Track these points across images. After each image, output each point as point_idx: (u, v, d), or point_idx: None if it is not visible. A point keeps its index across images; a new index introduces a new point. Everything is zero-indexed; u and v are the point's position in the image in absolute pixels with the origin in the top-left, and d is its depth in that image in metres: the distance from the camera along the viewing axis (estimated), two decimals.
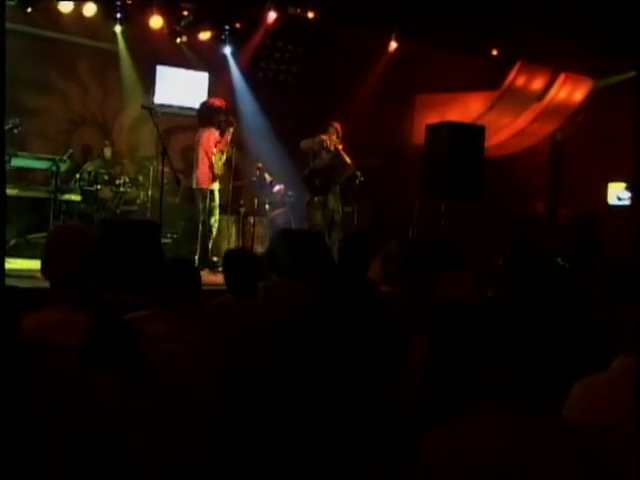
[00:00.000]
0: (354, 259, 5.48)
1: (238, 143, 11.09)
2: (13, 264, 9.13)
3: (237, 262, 5.06)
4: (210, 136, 10.37)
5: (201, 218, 10.35)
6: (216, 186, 10.44)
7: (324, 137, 10.78)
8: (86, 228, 3.84)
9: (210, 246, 10.39)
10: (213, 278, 9.48)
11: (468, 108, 14.11)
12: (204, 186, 10.29)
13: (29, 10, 11.22)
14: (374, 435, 3.43)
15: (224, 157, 10.46)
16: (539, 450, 2.23)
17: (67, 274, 2.76)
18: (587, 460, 2.28)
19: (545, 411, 2.38)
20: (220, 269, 9.70)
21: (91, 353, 2.49)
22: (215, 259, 10.21)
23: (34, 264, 9.37)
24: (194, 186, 10.43)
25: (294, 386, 3.48)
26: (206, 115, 10.52)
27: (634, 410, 2.71)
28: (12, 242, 9.98)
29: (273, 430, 3.27)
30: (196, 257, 10.24)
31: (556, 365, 2.62)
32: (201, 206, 10.37)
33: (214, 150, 10.32)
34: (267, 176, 11.77)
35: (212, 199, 10.36)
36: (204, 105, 10.73)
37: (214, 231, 10.49)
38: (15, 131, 9.84)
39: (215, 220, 10.48)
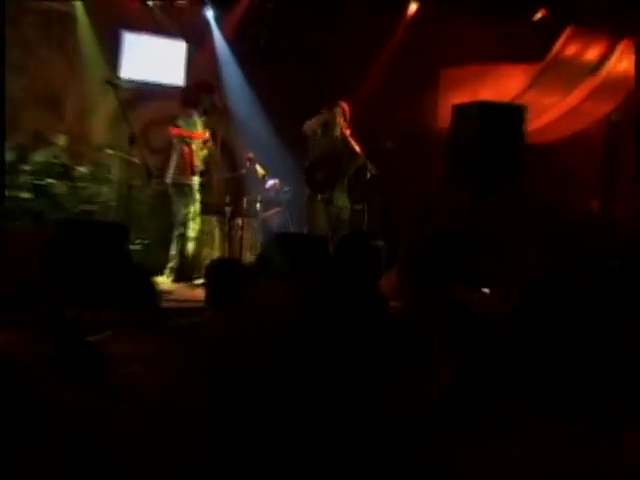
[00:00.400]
0: (352, 264, 5.48)
1: (225, 129, 11.18)
2: None
3: (222, 274, 5.19)
4: (188, 124, 10.53)
5: (177, 220, 10.52)
6: (196, 180, 10.60)
7: (326, 115, 10.93)
8: (36, 232, 4.01)
9: (189, 253, 10.54)
10: (191, 293, 9.65)
11: (505, 84, 14.11)
12: (182, 181, 10.46)
13: None
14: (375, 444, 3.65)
15: (207, 147, 10.69)
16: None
17: (14, 289, 2.92)
18: None
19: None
20: (199, 282, 9.90)
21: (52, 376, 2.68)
22: (194, 270, 10.38)
23: None
24: (169, 181, 10.58)
25: (287, 398, 3.67)
26: (191, 99, 10.73)
27: None
28: None
29: (268, 440, 3.49)
30: (169, 266, 10.43)
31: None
32: (178, 205, 10.54)
33: (191, 140, 10.51)
34: (259, 169, 11.69)
35: (191, 196, 10.53)
36: (188, 89, 11.15)
37: (193, 235, 10.64)
38: None
39: (195, 222, 10.64)
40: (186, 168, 10.46)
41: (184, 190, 10.50)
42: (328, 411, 3.56)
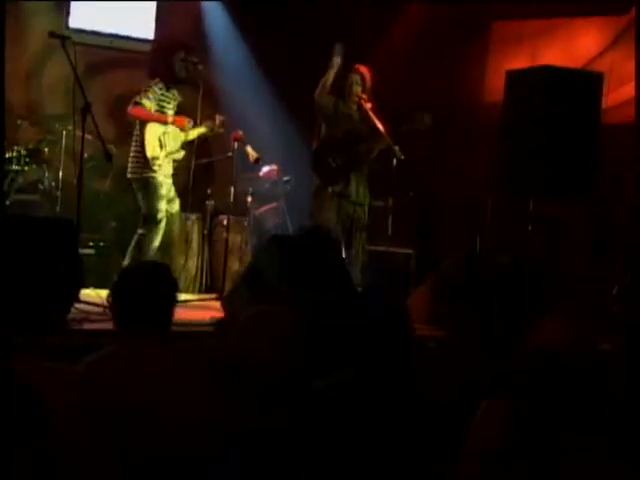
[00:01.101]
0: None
1: (208, 100, 11.32)
2: None
3: (136, 287, 4.96)
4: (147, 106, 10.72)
5: (141, 218, 10.71)
6: (167, 170, 10.84)
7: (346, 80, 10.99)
8: None
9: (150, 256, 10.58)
10: None
11: (576, 44, 14.09)
12: (145, 174, 10.70)
13: None
14: None
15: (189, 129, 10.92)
16: None
17: None
18: None
19: None
20: None
21: None
22: None
23: None
24: (129, 174, 10.85)
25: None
26: (158, 59, 10.93)
27: None
28: None
29: None
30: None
31: None
32: (141, 202, 10.77)
33: (156, 124, 10.73)
34: (250, 151, 11.59)
35: (158, 190, 10.71)
36: (156, 43, 11.17)
37: (156, 243, 10.72)
38: None
39: (162, 220, 10.75)
40: (153, 154, 10.67)
41: (150, 183, 10.69)
42: None
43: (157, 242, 10.72)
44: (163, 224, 10.74)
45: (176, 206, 10.98)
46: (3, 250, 7.09)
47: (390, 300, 4.89)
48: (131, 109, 10.67)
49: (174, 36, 11.12)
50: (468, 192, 12.84)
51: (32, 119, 12.69)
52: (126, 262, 10.52)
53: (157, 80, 10.79)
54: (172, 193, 10.92)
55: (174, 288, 5.11)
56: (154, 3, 13.35)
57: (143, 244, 10.65)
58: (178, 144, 10.94)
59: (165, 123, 10.78)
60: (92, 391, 4.14)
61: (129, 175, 10.82)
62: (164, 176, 10.79)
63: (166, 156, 10.78)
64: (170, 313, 4.96)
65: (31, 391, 3.13)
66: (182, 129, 10.94)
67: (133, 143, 10.83)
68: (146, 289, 4.86)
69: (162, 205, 10.74)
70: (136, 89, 10.95)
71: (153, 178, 10.70)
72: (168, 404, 4.25)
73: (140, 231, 10.69)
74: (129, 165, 10.80)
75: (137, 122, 10.76)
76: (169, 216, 10.83)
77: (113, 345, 4.67)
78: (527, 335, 5.21)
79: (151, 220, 10.64)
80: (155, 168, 10.70)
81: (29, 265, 7.31)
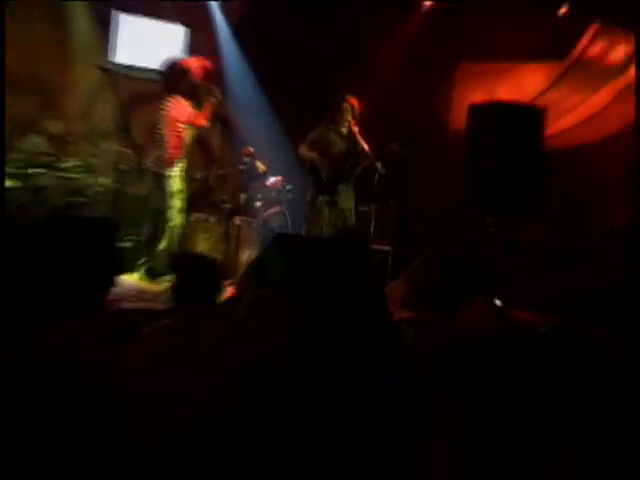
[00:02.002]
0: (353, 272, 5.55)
1: (224, 121, 11.19)
2: None
3: (188, 270, 5.08)
4: (178, 106, 10.61)
5: (151, 214, 10.72)
6: (177, 172, 10.67)
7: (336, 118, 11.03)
8: (40, 226, 4.11)
9: (163, 250, 10.59)
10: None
11: (524, 84, 14.06)
12: (161, 170, 10.58)
13: None
14: None
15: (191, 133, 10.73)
16: None
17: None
18: None
19: None
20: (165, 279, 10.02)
21: None
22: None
23: None
24: (148, 164, 10.73)
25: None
26: (171, 79, 10.73)
27: None
28: None
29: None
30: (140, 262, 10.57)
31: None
32: (155, 197, 10.69)
33: (182, 125, 10.59)
34: (259, 164, 11.70)
35: (168, 187, 10.59)
36: (169, 67, 10.83)
37: (169, 228, 10.65)
38: None
39: (177, 210, 10.66)
40: (168, 157, 10.54)
41: (164, 179, 10.57)
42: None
43: (172, 226, 10.65)
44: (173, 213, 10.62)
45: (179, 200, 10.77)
46: (54, 244, 6.93)
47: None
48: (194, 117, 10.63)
49: (186, 64, 10.81)
50: (437, 202, 12.77)
51: (84, 136, 12.45)
52: (161, 247, 10.53)
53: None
54: (181, 187, 10.75)
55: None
56: (182, 43, 13.29)
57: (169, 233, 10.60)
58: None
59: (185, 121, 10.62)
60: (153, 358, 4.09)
61: (149, 166, 10.72)
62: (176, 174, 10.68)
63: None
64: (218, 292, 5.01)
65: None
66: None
67: (159, 142, 10.65)
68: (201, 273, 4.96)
69: (175, 198, 10.63)
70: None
71: (172, 175, 10.61)
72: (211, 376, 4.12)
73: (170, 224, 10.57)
74: (152, 159, 10.67)
75: (163, 124, 10.57)
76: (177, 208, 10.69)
77: (169, 319, 4.60)
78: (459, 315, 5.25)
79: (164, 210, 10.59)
80: (178, 166, 10.66)
81: (77, 256, 7.12)
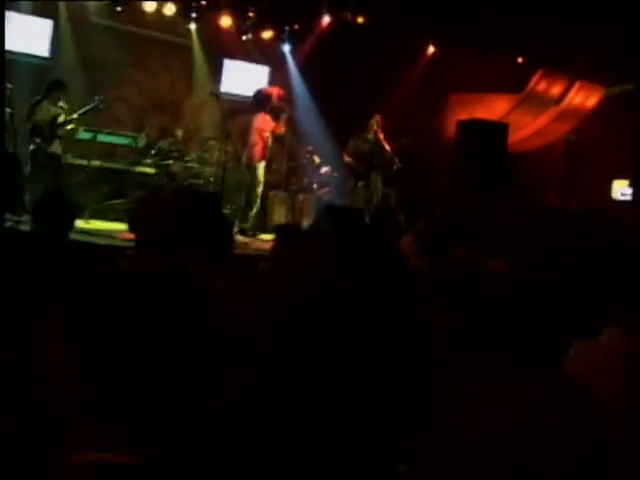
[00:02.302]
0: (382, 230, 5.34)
1: (292, 129, 10.99)
2: (95, 225, 9.19)
3: (286, 234, 4.84)
4: (264, 120, 10.27)
5: (246, 191, 10.30)
6: (262, 164, 10.29)
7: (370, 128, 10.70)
8: (173, 197, 3.79)
9: (253, 215, 10.26)
10: (256, 245, 9.39)
11: (494, 108, 13.81)
12: (252, 163, 10.19)
13: (119, 9, 11.27)
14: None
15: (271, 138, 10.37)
16: (544, 403, 2.14)
17: (153, 233, 2.74)
18: (584, 416, 2.19)
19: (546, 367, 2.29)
20: (264, 238, 9.84)
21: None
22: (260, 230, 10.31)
23: (113, 226, 9.48)
24: (244, 162, 10.36)
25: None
26: (259, 101, 10.42)
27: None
28: (95, 207, 10.02)
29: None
30: (242, 225, 10.16)
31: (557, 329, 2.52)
32: (248, 180, 10.30)
33: (266, 133, 10.20)
34: (316, 159, 11.61)
35: (257, 175, 10.21)
36: (258, 92, 10.64)
37: (257, 201, 10.32)
38: (100, 107, 9.78)
39: (258, 193, 10.31)
40: (257, 154, 10.19)
41: (254, 170, 10.22)
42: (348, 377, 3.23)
43: (258, 201, 10.38)
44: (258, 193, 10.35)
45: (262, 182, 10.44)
46: (185, 208, 6.82)
47: None
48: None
49: (269, 91, 10.75)
50: (435, 186, 12.31)
51: (200, 139, 12.33)
52: (252, 213, 10.26)
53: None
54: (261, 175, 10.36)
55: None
56: (266, 78, 13.18)
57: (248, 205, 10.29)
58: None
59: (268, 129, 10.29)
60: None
61: (244, 162, 10.40)
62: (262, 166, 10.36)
63: None
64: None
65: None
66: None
67: (250, 144, 10.34)
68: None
69: (260, 183, 10.32)
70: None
71: (259, 166, 10.24)
72: None
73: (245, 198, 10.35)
74: (246, 157, 10.36)
75: (253, 131, 10.29)
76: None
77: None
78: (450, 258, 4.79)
79: (254, 191, 10.28)
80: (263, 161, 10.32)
81: (195, 220, 6.98)
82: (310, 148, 11.66)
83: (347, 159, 10.74)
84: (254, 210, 10.25)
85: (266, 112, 10.35)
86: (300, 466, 1.87)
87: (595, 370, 2.77)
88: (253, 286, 3.79)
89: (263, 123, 10.25)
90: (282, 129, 10.41)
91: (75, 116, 9.44)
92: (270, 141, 10.34)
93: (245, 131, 11.50)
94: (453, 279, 4.34)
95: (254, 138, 10.21)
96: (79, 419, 1.88)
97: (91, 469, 1.79)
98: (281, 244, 4.90)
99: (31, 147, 9.21)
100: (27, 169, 9.15)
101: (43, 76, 10.06)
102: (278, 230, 5.23)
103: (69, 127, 9.45)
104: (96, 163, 10.56)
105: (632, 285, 3.02)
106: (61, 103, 9.34)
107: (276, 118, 10.35)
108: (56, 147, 9.36)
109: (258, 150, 10.18)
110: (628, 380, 2.72)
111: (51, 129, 9.20)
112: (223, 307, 3.12)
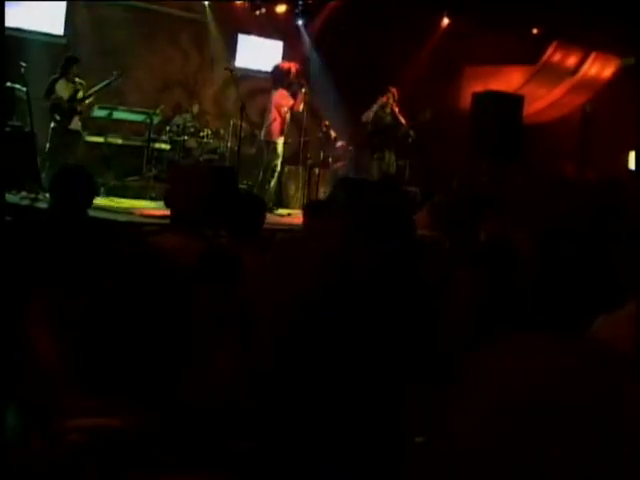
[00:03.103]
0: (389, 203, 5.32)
1: (308, 104, 10.90)
2: (113, 202, 9.20)
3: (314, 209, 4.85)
4: (282, 95, 10.15)
5: (264, 167, 10.20)
6: (281, 140, 10.20)
7: (383, 99, 10.58)
8: (208, 170, 3.79)
9: (271, 190, 10.21)
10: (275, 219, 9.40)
11: (510, 80, 13.69)
12: (271, 139, 10.10)
13: None
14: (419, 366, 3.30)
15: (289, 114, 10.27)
16: (571, 371, 2.10)
17: (186, 207, 2.74)
18: (611, 384, 2.15)
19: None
20: (282, 212, 9.94)
21: (202, 272, 2.52)
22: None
23: (130, 202, 9.50)
24: (262, 138, 10.26)
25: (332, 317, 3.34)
26: (277, 77, 10.31)
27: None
28: (112, 183, 10.05)
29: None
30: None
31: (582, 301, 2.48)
32: (266, 156, 10.22)
33: (285, 109, 10.08)
34: (332, 133, 11.54)
35: (276, 150, 10.13)
36: (276, 68, 10.50)
37: (275, 176, 10.23)
38: (118, 81, 9.77)
39: (276, 169, 10.23)
40: (277, 130, 10.08)
41: (272, 146, 10.12)
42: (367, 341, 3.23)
43: (275, 176, 10.27)
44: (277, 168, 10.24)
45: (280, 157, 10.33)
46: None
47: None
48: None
49: (287, 66, 10.51)
50: (450, 157, 12.23)
51: (215, 115, 12.39)
52: (270, 187, 10.17)
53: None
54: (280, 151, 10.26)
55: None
56: (280, 52, 12.99)
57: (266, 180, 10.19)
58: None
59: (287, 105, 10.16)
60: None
61: (263, 138, 10.29)
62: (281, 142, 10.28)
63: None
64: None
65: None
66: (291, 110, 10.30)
67: (269, 119, 10.21)
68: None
69: (279, 158, 10.23)
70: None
71: (278, 142, 10.17)
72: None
73: (264, 174, 10.23)
74: (265, 132, 10.25)
75: (272, 108, 10.13)
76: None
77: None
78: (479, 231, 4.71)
79: (272, 166, 10.16)
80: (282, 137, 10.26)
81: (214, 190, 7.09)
82: (327, 122, 11.58)
83: (366, 124, 10.66)
84: (272, 185, 10.19)
85: (284, 87, 10.23)
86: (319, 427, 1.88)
87: (619, 341, 2.75)
88: (277, 261, 3.83)
89: (281, 99, 10.13)
90: (300, 106, 10.32)
91: (93, 91, 9.45)
92: (288, 117, 10.23)
93: (260, 105, 11.47)
94: (480, 252, 4.33)
95: (272, 114, 10.09)
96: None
97: (84, 434, 1.79)
98: (311, 219, 4.88)
99: (52, 124, 9.22)
100: (47, 146, 9.17)
101: (58, 54, 10.00)
102: (307, 207, 5.22)
103: (87, 102, 9.45)
104: (113, 140, 10.58)
105: None
106: (78, 79, 9.34)
107: (294, 94, 10.25)
108: (76, 124, 9.38)
109: (276, 126, 10.07)
110: None
111: (70, 106, 9.21)
112: (252, 280, 3.16)
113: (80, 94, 9.28)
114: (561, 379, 2.03)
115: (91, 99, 9.48)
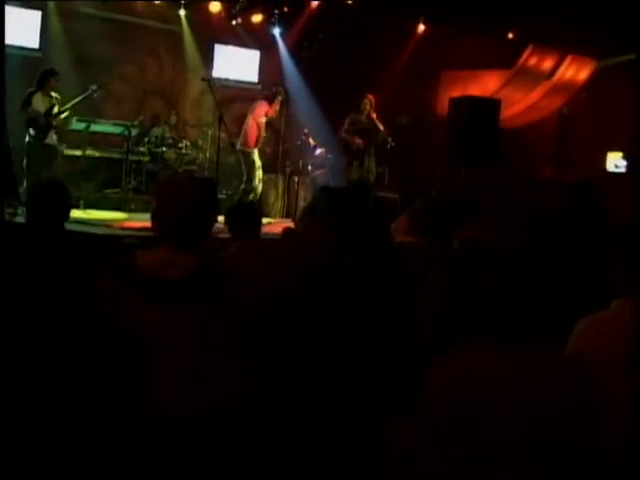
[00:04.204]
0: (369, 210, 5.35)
1: (286, 112, 10.91)
2: (92, 215, 9.17)
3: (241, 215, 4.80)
4: (262, 105, 10.25)
5: (246, 177, 10.16)
6: (257, 150, 10.23)
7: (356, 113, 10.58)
8: (194, 182, 3.77)
9: (255, 200, 10.03)
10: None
11: (486, 84, 13.72)
12: (247, 148, 10.11)
13: None
14: (391, 371, 3.32)
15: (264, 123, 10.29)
16: (537, 381, 2.10)
17: (174, 220, 2.74)
18: (580, 393, 2.15)
19: (545, 346, 2.25)
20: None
21: (190, 287, 2.55)
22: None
23: (109, 215, 9.47)
24: (238, 147, 10.20)
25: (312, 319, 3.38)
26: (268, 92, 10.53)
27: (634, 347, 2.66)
28: (91, 196, 10.02)
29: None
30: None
31: (558, 304, 2.49)
32: (244, 166, 10.20)
33: (262, 118, 10.14)
34: (311, 141, 11.48)
35: (254, 160, 10.13)
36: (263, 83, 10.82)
37: (260, 186, 10.24)
38: (95, 95, 9.71)
39: (259, 179, 10.21)
40: (252, 140, 10.12)
41: (249, 155, 10.15)
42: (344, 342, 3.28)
43: (259, 187, 10.32)
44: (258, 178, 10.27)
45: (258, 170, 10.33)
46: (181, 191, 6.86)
47: None
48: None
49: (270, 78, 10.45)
50: (428, 163, 12.36)
51: (193, 125, 12.46)
52: (250, 198, 10.06)
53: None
54: (258, 162, 10.30)
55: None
56: (257, 62, 13.09)
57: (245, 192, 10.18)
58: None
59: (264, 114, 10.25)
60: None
61: (239, 147, 10.23)
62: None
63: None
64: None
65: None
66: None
67: (246, 129, 10.28)
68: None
69: (259, 168, 10.27)
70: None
71: (254, 151, 10.20)
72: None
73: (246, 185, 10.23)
74: (241, 142, 10.24)
75: (250, 117, 10.24)
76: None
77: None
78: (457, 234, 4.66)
79: (252, 177, 10.18)
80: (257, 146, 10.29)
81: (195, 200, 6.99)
82: (306, 130, 11.55)
83: (346, 137, 10.56)
84: (252, 195, 10.13)
85: (264, 98, 10.38)
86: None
87: (602, 343, 2.76)
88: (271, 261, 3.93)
89: (260, 108, 10.21)
90: (274, 112, 10.32)
91: (69, 105, 9.37)
92: (264, 126, 10.26)
93: (238, 115, 11.46)
94: (454, 256, 4.35)
95: (249, 123, 10.14)
96: None
97: None
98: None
99: (27, 139, 9.15)
100: (24, 161, 9.10)
101: (33, 68, 9.95)
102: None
103: (63, 116, 9.36)
104: (91, 153, 10.56)
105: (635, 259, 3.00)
106: (54, 93, 9.27)
107: (271, 101, 10.31)
108: (51, 138, 9.29)
109: (252, 135, 10.10)
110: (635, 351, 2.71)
111: (46, 120, 9.13)
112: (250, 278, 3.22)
113: (56, 109, 9.20)
114: (511, 387, 2.05)
115: (66, 114, 9.39)
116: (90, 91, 9.55)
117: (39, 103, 9.10)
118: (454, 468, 1.99)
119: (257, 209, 5.10)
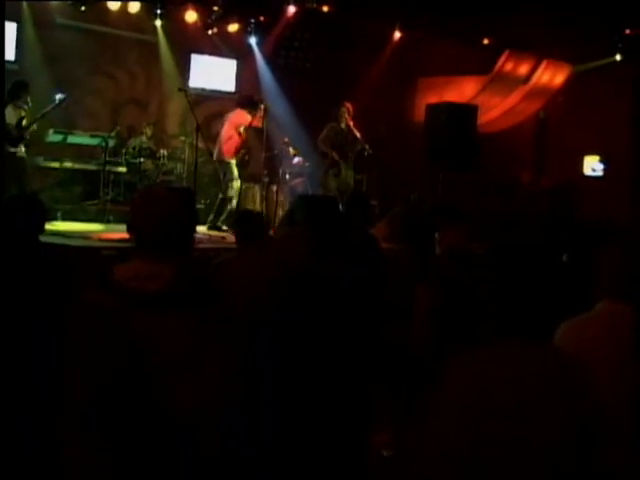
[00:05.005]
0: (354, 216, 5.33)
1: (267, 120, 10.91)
2: (68, 227, 9.11)
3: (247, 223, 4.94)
4: (240, 114, 10.10)
5: (224, 188, 10.09)
6: (234, 160, 10.11)
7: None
8: (172, 192, 3.74)
9: (227, 211, 9.99)
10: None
11: (463, 90, 13.78)
12: (224, 158, 10.01)
13: (82, 8, 11.12)
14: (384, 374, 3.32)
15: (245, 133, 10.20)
16: (545, 381, 2.14)
17: (151, 231, 2.72)
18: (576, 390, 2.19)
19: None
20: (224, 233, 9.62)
21: (169, 299, 2.54)
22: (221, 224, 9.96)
23: (87, 227, 9.41)
24: (215, 158, 10.18)
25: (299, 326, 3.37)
26: (244, 100, 10.43)
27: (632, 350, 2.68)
28: (68, 208, 9.98)
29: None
30: (209, 219, 10.01)
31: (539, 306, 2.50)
32: (222, 176, 10.15)
33: (242, 128, 10.03)
34: (291, 149, 11.45)
35: (231, 170, 10.03)
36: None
37: (237, 196, 10.14)
38: (62, 105, 9.58)
39: (236, 189, 10.11)
40: (231, 150, 10.01)
41: (227, 166, 10.05)
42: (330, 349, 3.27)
43: (235, 198, 10.16)
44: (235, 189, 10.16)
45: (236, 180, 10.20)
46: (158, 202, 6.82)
47: None
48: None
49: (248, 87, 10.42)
50: (406, 170, 12.39)
51: (170, 136, 12.42)
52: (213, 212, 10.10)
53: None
54: (236, 172, 10.16)
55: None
56: (234, 71, 13.16)
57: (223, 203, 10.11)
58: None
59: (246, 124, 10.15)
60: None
61: (216, 158, 10.21)
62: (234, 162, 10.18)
63: None
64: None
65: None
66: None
67: (223, 139, 10.12)
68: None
69: (236, 179, 10.16)
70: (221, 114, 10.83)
71: (232, 162, 10.09)
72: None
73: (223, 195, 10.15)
74: (218, 153, 10.13)
75: (229, 127, 10.09)
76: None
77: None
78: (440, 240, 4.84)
79: (230, 187, 10.07)
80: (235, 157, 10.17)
81: (173, 211, 6.97)
82: (286, 139, 11.52)
83: (323, 146, 10.50)
84: (232, 205, 10.04)
85: (243, 107, 10.19)
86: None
87: (584, 344, 2.78)
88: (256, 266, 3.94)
89: (239, 118, 10.07)
90: (260, 121, 10.22)
91: (39, 116, 9.24)
92: (244, 135, 10.15)
93: (215, 125, 11.43)
94: (439, 262, 4.37)
95: (228, 133, 9.98)
96: None
97: None
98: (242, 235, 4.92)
99: None
100: None
101: (9, 80, 9.90)
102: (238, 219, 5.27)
103: (31, 129, 9.21)
104: (68, 164, 10.52)
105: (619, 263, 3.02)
106: (25, 106, 9.16)
107: (253, 111, 10.16)
108: (21, 150, 9.15)
109: (231, 145, 9.97)
110: (616, 351, 2.74)
111: (18, 132, 9.03)
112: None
113: (25, 121, 9.09)
114: (526, 383, 2.07)
115: (34, 126, 9.26)
116: (57, 101, 9.45)
117: (10, 115, 8.97)
118: (490, 464, 2.03)
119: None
